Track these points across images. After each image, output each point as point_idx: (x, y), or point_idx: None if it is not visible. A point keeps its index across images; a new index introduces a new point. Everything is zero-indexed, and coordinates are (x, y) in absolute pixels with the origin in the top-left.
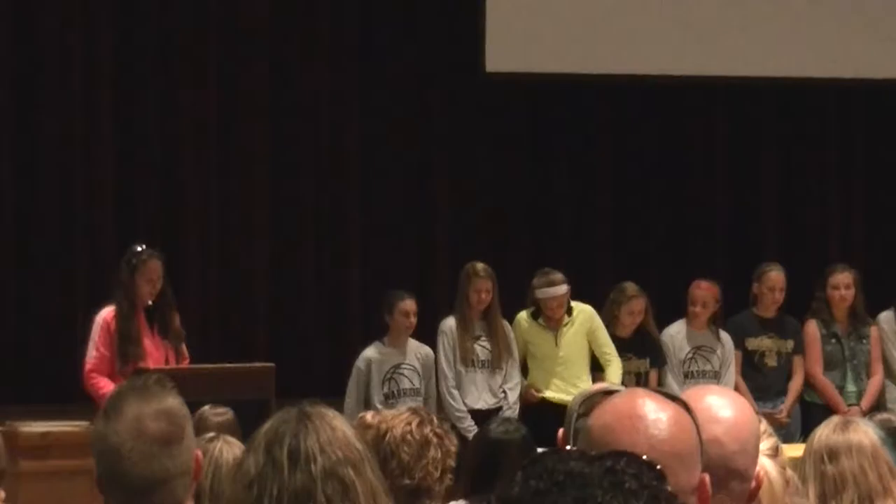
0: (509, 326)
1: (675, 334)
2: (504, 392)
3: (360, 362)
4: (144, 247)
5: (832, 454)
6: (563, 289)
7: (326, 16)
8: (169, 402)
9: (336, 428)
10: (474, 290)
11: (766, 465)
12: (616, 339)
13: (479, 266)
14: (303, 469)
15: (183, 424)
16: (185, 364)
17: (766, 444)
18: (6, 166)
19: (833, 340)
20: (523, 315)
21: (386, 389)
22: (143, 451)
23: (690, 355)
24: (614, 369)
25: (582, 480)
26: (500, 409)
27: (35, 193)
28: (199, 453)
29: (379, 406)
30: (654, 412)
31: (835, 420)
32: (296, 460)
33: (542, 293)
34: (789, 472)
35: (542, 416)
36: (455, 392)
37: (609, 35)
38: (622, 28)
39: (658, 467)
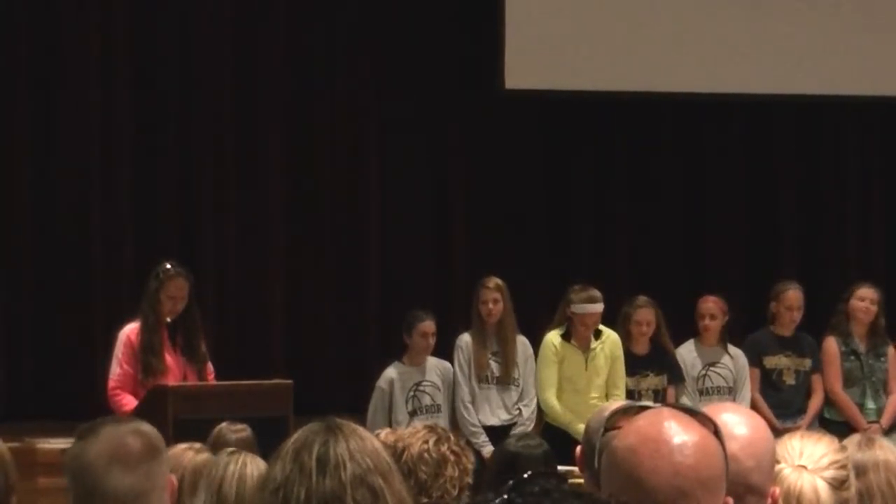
0: (526, 342)
1: (687, 353)
2: (519, 409)
3: (382, 382)
4: (173, 265)
5: (859, 470)
6: (601, 306)
7: (346, 32)
8: (144, 426)
9: (365, 438)
10: (482, 301)
11: (818, 487)
12: (633, 357)
13: (487, 278)
14: (332, 475)
15: (159, 445)
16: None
17: (830, 473)
18: (25, 185)
19: (852, 357)
20: (554, 336)
21: (409, 407)
22: (122, 465)
23: (704, 372)
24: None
25: None
26: (513, 425)
27: (54, 212)
28: (173, 478)
29: (402, 424)
30: (680, 436)
31: (857, 437)
32: (324, 466)
33: (581, 308)
34: None
35: (560, 433)
36: (470, 407)
37: (626, 53)
38: (639, 46)
39: None
